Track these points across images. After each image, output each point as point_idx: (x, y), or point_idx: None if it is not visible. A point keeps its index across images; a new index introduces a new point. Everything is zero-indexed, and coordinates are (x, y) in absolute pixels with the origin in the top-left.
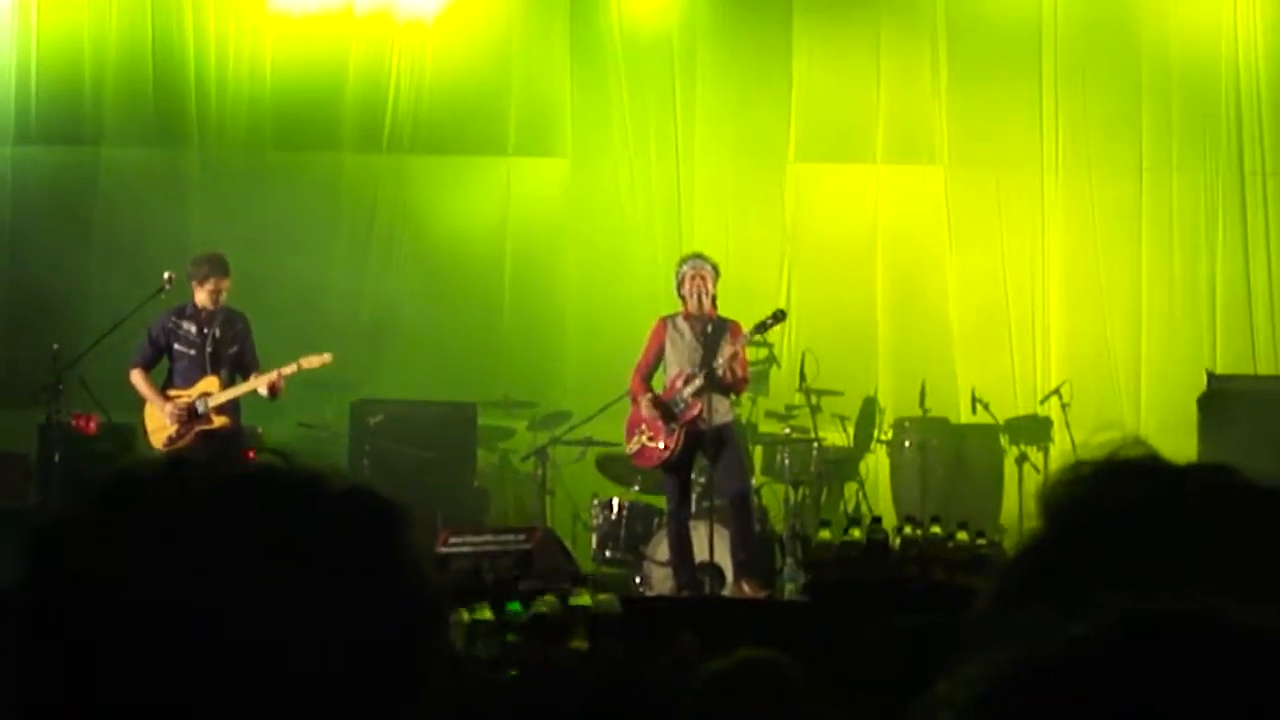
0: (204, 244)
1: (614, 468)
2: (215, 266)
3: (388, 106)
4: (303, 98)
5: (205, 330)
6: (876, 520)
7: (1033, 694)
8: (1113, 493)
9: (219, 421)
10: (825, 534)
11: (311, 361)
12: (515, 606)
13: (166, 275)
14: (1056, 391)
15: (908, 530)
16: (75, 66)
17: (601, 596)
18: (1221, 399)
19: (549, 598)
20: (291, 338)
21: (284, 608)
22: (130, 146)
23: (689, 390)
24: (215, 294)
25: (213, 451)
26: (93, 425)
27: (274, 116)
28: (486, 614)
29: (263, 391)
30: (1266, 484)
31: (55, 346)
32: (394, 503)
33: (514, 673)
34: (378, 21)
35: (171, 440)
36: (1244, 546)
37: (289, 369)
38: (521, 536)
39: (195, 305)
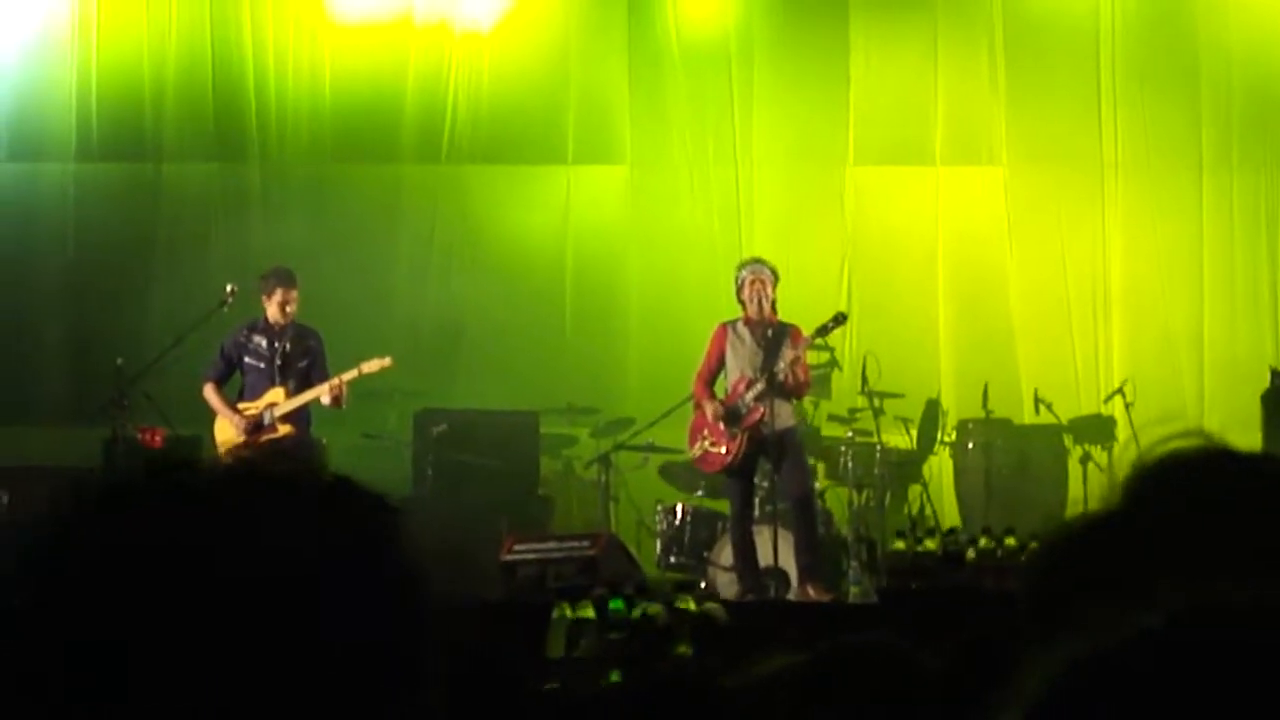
0: (266, 257)
1: (677, 474)
2: (281, 278)
3: (447, 116)
4: (362, 108)
5: (275, 344)
6: (951, 531)
7: (1104, 686)
8: (1179, 481)
9: (284, 430)
10: (900, 544)
11: (371, 366)
12: (618, 604)
13: (229, 288)
14: (1120, 391)
15: (983, 541)
16: (135, 82)
17: (709, 604)
18: None
19: (654, 604)
20: (354, 349)
21: (241, 615)
22: (191, 162)
23: (750, 395)
24: (283, 305)
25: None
26: (158, 439)
27: (334, 128)
28: (589, 612)
29: (325, 400)
30: None
31: (120, 362)
32: (378, 500)
33: (615, 675)
34: (436, 31)
35: (238, 449)
36: None
37: (349, 375)
38: (586, 543)
39: (266, 320)
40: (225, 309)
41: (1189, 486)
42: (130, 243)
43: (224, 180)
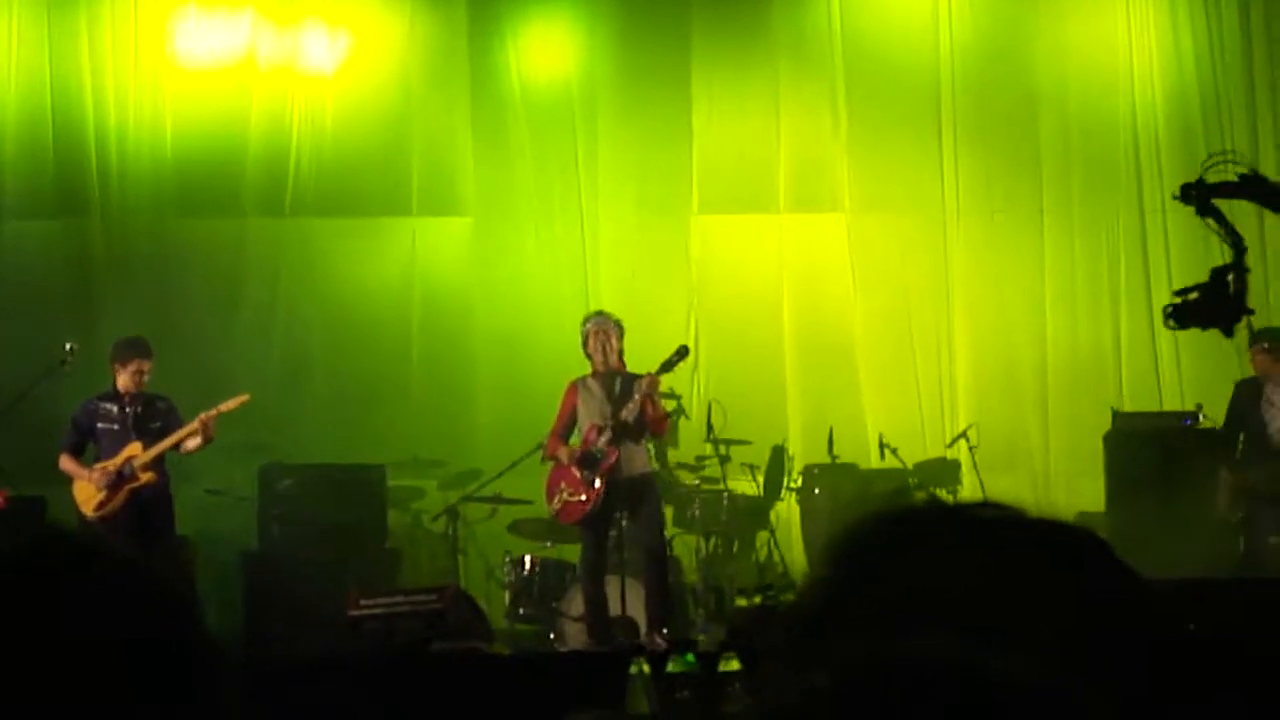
0: (107, 314)
1: (527, 529)
2: (137, 348)
3: (290, 167)
4: (204, 159)
5: (127, 409)
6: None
7: None
8: (882, 538)
9: (146, 478)
10: (741, 601)
11: (230, 404)
12: (690, 659)
13: (69, 346)
14: (964, 434)
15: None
16: None
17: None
18: (1127, 436)
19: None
20: (199, 403)
21: None
22: (31, 219)
23: (603, 440)
24: (138, 375)
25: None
26: (0, 500)
27: (176, 181)
28: (645, 667)
29: (192, 444)
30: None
31: None
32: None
33: None
34: (279, 74)
35: (101, 504)
36: (997, 585)
37: (210, 413)
38: (433, 596)
39: (117, 388)
40: (66, 367)
41: (890, 542)
42: None
43: (65, 235)
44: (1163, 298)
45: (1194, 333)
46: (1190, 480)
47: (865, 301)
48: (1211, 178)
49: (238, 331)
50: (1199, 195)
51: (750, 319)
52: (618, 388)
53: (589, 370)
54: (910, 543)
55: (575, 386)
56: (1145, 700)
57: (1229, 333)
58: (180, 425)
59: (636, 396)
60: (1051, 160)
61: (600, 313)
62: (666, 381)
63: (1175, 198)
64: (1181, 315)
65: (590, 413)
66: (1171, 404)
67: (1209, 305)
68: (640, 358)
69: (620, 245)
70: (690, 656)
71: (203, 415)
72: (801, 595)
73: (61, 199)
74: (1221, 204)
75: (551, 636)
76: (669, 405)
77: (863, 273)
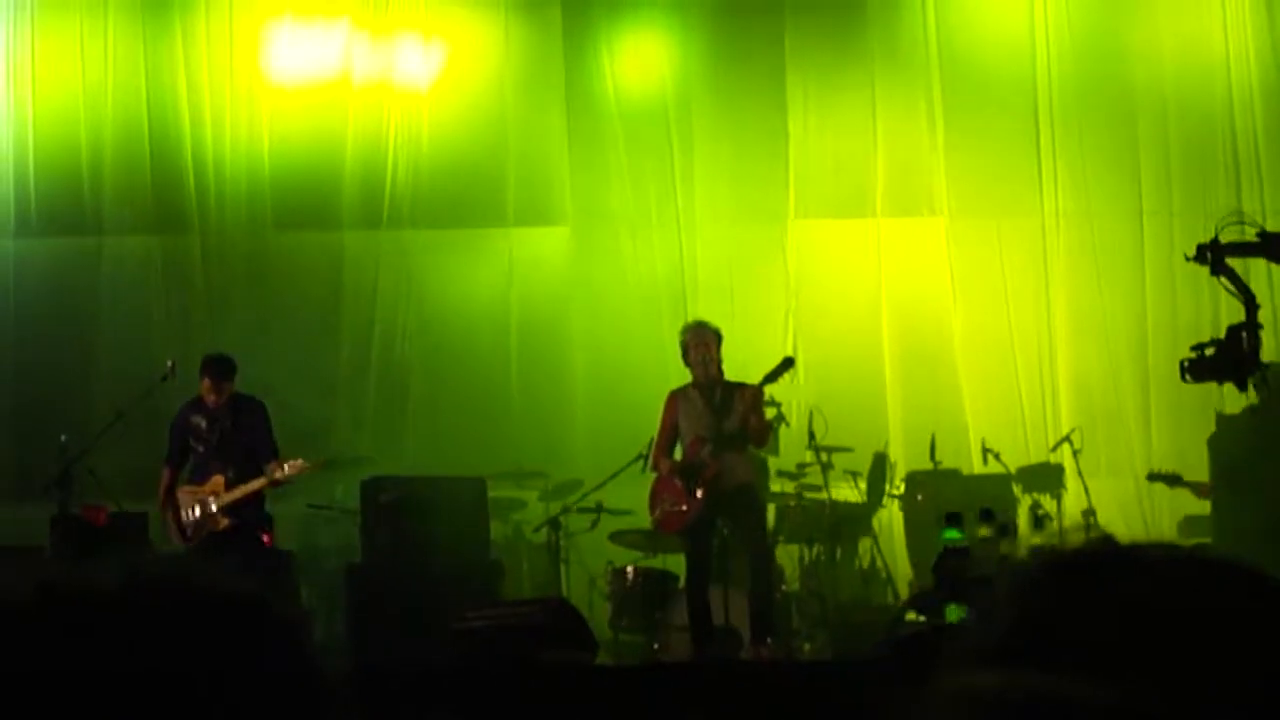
0: (208, 328)
1: (629, 539)
2: (207, 368)
3: (387, 180)
4: (301, 174)
5: (214, 423)
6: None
7: None
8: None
9: (223, 524)
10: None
11: (306, 466)
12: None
13: (169, 363)
14: (1067, 438)
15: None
16: (73, 155)
17: None
18: (1231, 439)
19: None
20: (299, 418)
21: None
22: (131, 234)
23: (705, 452)
24: (211, 393)
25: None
26: (102, 516)
27: (273, 196)
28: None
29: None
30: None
31: (63, 439)
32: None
33: None
34: (374, 90)
35: (185, 539)
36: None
37: (287, 474)
38: (536, 607)
39: (202, 399)
40: (166, 382)
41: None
42: (71, 317)
43: (164, 252)
44: (1262, 298)
45: None
46: None
47: (965, 305)
48: (1225, 238)
49: (336, 344)
50: (1214, 255)
51: (849, 324)
52: (718, 398)
53: (688, 379)
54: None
55: (676, 397)
56: None
57: (1242, 386)
58: (268, 434)
59: (739, 408)
60: (1150, 162)
61: (699, 322)
62: (766, 389)
63: (1189, 259)
64: (1198, 369)
65: (692, 424)
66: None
67: (1223, 360)
68: (739, 365)
69: (717, 252)
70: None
71: (278, 474)
72: (976, 625)
73: (160, 215)
74: (1235, 263)
75: (656, 647)
76: (769, 413)
77: (962, 277)
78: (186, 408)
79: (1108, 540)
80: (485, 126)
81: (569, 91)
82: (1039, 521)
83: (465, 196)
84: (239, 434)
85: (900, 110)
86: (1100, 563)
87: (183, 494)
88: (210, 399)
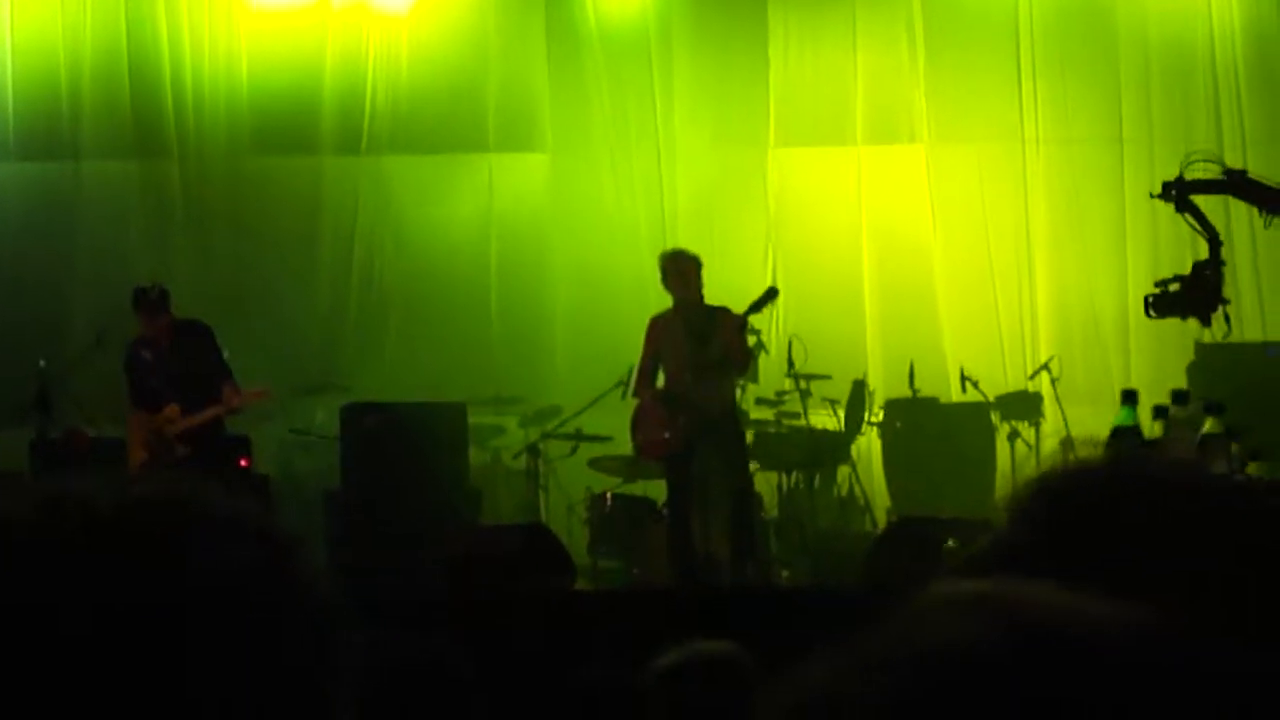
0: (185, 253)
1: (608, 465)
2: (136, 302)
3: (366, 105)
4: (280, 99)
5: (160, 354)
6: None
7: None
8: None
9: (181, 453)
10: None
11: (252, 396)
12: None
13: (139, 287)
14: (1046, 366)
15: None
16: (52, 80)
17: None
18: (1210, 366)
19: None
20: (278, 344)
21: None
22: (109, 159)
23: (687, 377)
24: (149, 325)
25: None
26: (83, 440)
27: (252, 121)
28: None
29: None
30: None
31: (42, 363)
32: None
33: None
34: (353, 13)
35: (146, 464)
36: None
37: (232, 405)
38: (515, 534)
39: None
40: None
41: (1095, 510)
42: (50, 242)
43: (142, 177)
44: (1241, 226)
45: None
46: (1274, 409)
47: (944, 233)
48: (1190, 175)
49: (315, 270)
50: (1178, 192)
51: (829, 252)
52: (699, 324)
53: (668, 306)
54: (1107, 506)
55: (657, 324)
56: None
57: (1206, 321)
58: (218, 357)
59: (721, 334)
60: (1130, 90)
61: (677, 249)
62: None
63: (1154, 196)
64: (1161, 305)
65: (674, 350)
66: (1252, 334)
67: (1188, 296)
68: (719, 292)
69: (697, 179)
70: None
71: (235, 402)
72: (992, 544)
73: (139, 139)
74: (1198, 200)
75: (635, 572)
76: (749, 340)
77: (941, 204)
78: (134, 343)
79: (1114, 461)
80: (465, 52)
81: (550, 17)
82: None
83: (445, 122)
84: (185, 361)
85: (881, 37)
86: (1092, 484)
87: (136, 424)
88: (149, 332)
